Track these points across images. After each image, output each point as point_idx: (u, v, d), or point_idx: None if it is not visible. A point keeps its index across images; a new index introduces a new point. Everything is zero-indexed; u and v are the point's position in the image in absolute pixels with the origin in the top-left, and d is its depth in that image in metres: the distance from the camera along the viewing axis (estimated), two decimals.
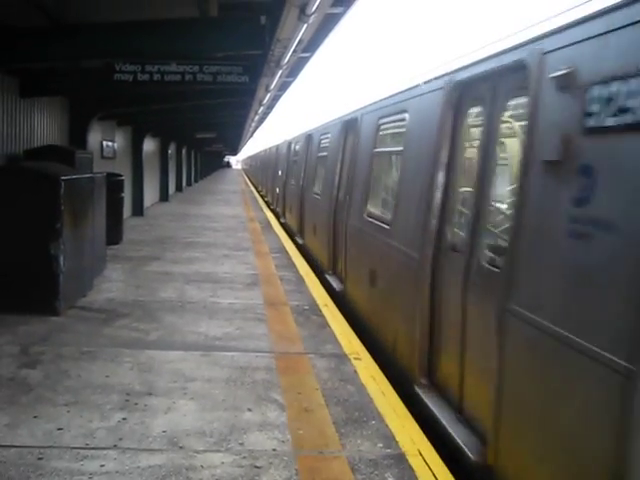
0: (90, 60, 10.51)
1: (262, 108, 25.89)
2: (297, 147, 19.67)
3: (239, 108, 20.51)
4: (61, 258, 8.49)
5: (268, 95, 18.87)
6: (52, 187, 8.43)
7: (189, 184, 43.99)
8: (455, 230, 6.03)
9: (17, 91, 10.96)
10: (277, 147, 29.46)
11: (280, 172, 24.97)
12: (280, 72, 13.23)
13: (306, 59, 14.95)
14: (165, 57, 10.04)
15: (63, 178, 8.54)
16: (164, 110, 18.16)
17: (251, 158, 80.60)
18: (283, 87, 20.67)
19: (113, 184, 13.90)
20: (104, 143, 17.46)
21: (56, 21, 9.55)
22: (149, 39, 9.39)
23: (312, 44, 13.00)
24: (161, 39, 9.40)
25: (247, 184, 57.87)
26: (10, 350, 7.03)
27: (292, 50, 11.19)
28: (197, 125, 27.23)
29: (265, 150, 43.79)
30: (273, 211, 26.89)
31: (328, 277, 11.85)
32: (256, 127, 47.12)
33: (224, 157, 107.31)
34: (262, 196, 38.96)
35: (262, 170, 45.07)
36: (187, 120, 23.57)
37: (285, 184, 22.25)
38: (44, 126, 12.52)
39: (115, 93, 13.63)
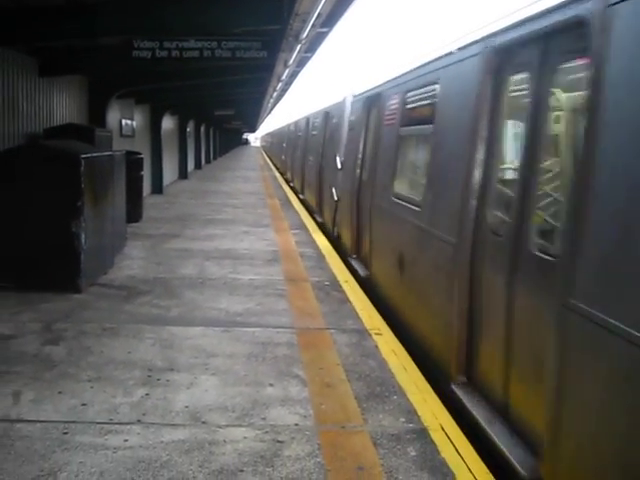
0: (109, 37, 10.47)
1: (280, 84, 25.71)
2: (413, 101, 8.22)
3: (257, 85, 20.39)
4: (82, 236, 8.52)
5: (287, 71, 18.71)
6: (72, 165, 8.45)
7: (208, 162, 44.02)
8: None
9: (36, 71, 10.99)
10: (326, 114, 16.66)
11: (339, 160, 13.17)
12: (299, 47, 13.09)
13: (325, 34, 14.81)
14: (184, 33, 9.98)
15: (83, 156, 8.55)
16: (182, 87, 18.13)
17: (272, 135, 70.60)
18: (301, 63, 20.50)
19: (132, 162, 13.94)
20: (123, 121, 17.48)
21: None
22: (168, 15, 9.35)
23: (331, 18, 12.86)
24: (180, 15, 9.36)
25: (265, 161, 57.80)
26: (33, 327, 7.10)
27: (311, 24, 11.07)
28: (216, 102, 27.16)
29: (294, 124, 29.00)
30: (327, 233, 14.34)
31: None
32: (274, 104, 46.88)
33: (242, 134, 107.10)
34: (292, 188, 26.85)
35: (290, 150, 30.29)
36: (206, 97, 23.51)
37: (360, 191, 10.98)
38: (63, 105, 12.55)
39: (134, 71, 13.61)
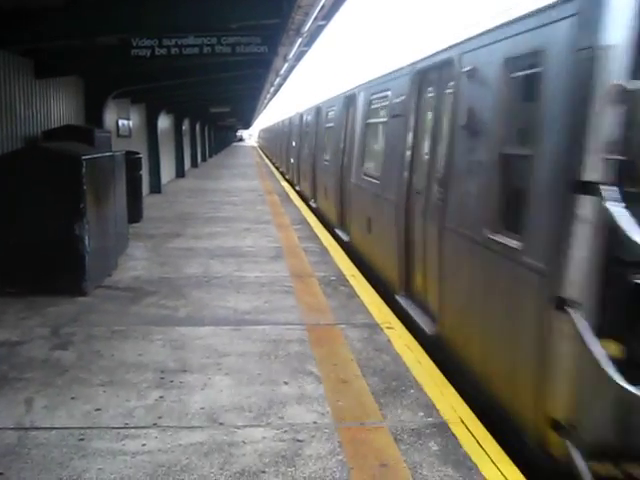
0: (105, 37, 10.35)
1: (278, 79, 25.53)
2: None
3: (254, 80, 20.25)
4: (86, 238, 8.44)
5: (285, 65, 18.53)
6: (74, 167, 8.35)
7: (204, 159, 43.92)
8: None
9: (32, 72, 10.87)
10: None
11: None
12: (300, 40, 12.91)
13: (322, 27, 14.64)
14: (183, 30, 9.85)
15: (84, 157, 8.46)
16: (178, 86, 18.00)
17: (266, 130, 65.51)
18: (299, 57, 20.31)
19: (131, 162, 13.82)
20: (119, 121, 17.38)
21: None
22: (165, 11, 9.21)
23: (330, 11, 12.71)
24: (178, 11, 9.23)
25: (262, 157, 57.63)
26: (41, 332, 7.02)
27: (314, 17, 10.88)
28: (211, 100, 27.04)
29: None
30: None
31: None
32: (270, 99, 46.62)
33: (237, 131, 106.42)
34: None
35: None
36: (201, 95, 23.36)
37: None
38: (60, 106, 12.44)
39: (130, 70, 13.50)
